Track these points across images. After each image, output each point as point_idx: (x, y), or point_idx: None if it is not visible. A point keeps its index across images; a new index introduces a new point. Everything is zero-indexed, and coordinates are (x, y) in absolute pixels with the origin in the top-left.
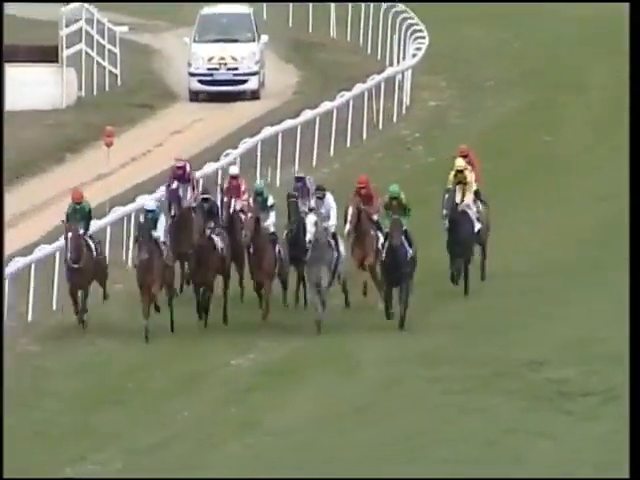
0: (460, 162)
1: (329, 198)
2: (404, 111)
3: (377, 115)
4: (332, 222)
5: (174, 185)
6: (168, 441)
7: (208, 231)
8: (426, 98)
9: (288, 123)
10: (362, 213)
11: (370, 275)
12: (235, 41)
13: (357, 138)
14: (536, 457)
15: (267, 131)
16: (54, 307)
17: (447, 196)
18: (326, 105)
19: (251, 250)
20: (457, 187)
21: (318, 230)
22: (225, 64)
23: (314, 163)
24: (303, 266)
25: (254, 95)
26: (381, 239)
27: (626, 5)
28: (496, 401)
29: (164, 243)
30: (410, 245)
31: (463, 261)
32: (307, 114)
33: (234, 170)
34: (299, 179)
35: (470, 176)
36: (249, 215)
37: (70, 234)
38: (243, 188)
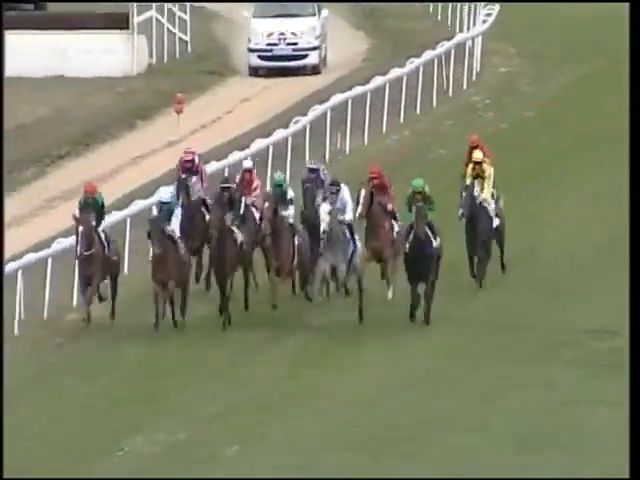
0: (478, 154)
1: (344, 191)
2: (474, 77)
3: (447, 81)
4: (348, 216)
5: (187, 180)
6: (229, 411)
7: (229, 221)
8: (496, 64)
9: (358, 90)
10: (374, 205)
11: (384, 268)
12: (295, 16)
13: (427, 105)
14: (597, 426)
15: (336, 98)
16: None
17: (465, 194)
18: (396, 72)
19: (268, 241)
20: (475, 181)
21: (332, 220)
22: (285, 39)
23: (384, 130)
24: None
25: (315, 70)
26: (396, 227)
27: (626, 5)
28: (557, 370)
29: (180, 237)
30: (435, 237)
31: (480, 256)
32: (377, 81)
33: (247, 164)
34: (313, 170)
35: (489, 169)
36: (266, 205)
37: (81, 226)
38: (255, 184)
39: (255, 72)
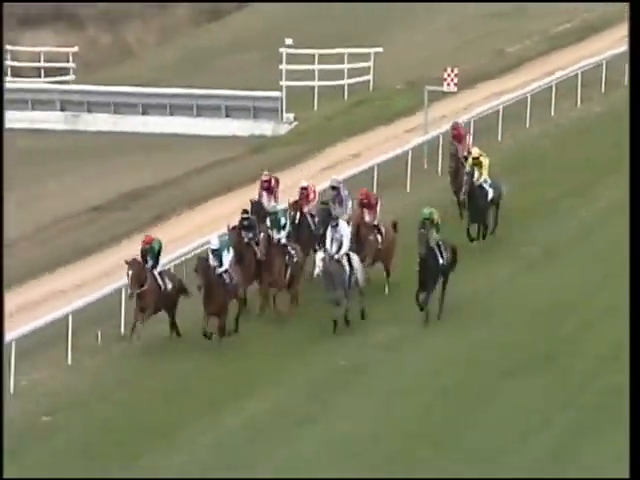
0: (476, 151)
1: (342, 226)
2: None
3: None
4: (344, 249)
5: (263, 196)
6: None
7: (246, 239)
8: None
9: None
10: (361, 226)
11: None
12: None
13: None
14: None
15: None
16: None
17: (466, 178)
18: None
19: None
20: (475, 168)
21: (327, 262)
22: None
23: None
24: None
25: None
26: (380, 239)
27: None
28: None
29: (226, 271)
30: (442, 255)
31: (478, 225)
32: None
33: (303, 184)
34: (334, 188)
35: (485, 161)
36: (261, 234)
37: (130, 270)
38: (311, 196)
39: None
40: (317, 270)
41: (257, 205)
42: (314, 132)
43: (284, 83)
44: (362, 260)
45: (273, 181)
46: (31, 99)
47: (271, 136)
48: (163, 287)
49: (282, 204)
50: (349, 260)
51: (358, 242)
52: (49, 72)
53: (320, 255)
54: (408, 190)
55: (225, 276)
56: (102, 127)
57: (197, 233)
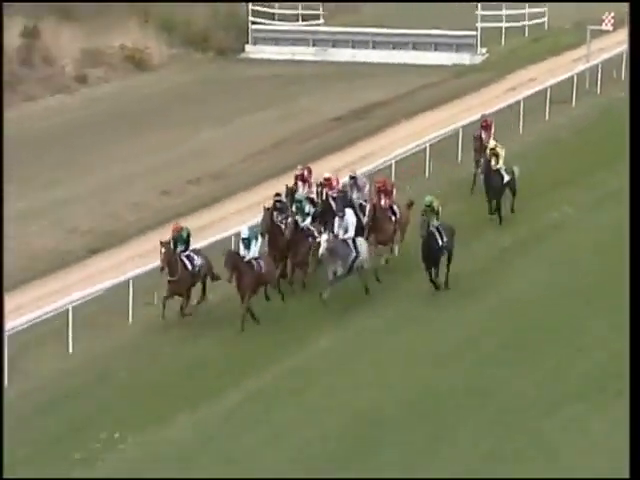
0: (492, 143)
1: (348, 215)
2: None
3: None
4: (349, 234)
5: (299, 185)
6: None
7: (278, 219)
8: None
9: None
10: (377, 208)
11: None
12: None
13: None
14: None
15: None
16: None
17: (482, 161)
18: None
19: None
20: (492, 158)
21: (330, 243)
22: None
23: None
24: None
25: None
26: (394, 221)
27: (626, 5)
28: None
29: (257, 259)
30: (442, 237)
31: (495, 201)
32: None
33: (326, 175)
34: (352, 177)
35: (501, 151)
36: (289, 220)
37: (163, 254)
38: (334, 184)
39: None
40: (322, 250)
41: (292, 192)
42: (501, 62)
43: (479, 24)
44: (379, 243)
45: (306, 172)
46: (291, 37)
47: (469, 65)
48: (191, 268)
49: (312, 193)
50: (355, 244)
51: (374, 225)
52: (305, 17)
53: (325, 237)
54: (574, 105)
55: (254, 262)
56: (343, 58)
57: (413, 137)
